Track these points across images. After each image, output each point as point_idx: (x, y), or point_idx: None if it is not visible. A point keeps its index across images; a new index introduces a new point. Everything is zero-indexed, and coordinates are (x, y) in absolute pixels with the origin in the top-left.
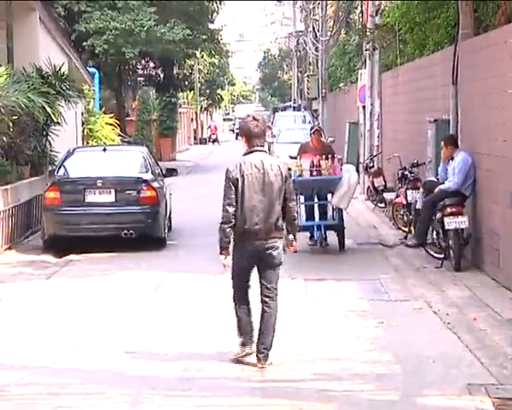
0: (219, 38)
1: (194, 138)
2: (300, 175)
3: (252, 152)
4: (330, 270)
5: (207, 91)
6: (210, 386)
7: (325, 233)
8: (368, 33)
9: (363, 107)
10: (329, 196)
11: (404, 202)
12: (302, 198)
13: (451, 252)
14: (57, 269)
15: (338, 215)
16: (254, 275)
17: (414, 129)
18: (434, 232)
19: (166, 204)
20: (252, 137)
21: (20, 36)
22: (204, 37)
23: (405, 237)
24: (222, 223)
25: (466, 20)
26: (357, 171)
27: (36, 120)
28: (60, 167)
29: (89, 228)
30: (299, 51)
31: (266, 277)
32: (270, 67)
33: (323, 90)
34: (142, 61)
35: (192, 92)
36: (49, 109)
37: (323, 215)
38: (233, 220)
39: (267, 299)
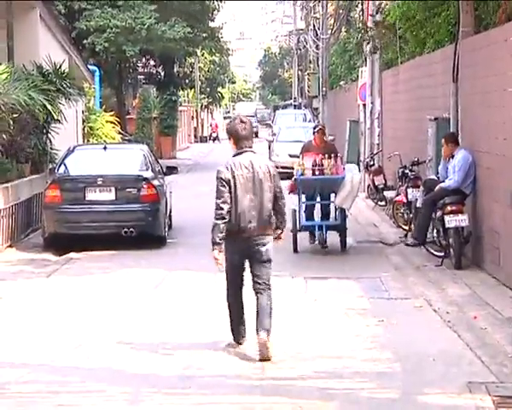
0: (220, 36)
1: (195, 136)
2: (302, 174)
3: (241, 153)
4: (330, 268)
5: (208, 89)
6: (210, 384)
7: (325, 233)
8: (368, 32)
9: (364, 105)
10: (332, 195)
11: (405, 201)
12: (304, 197)
13: (452, 250)
14: (57, 267)
15: (340, 215)
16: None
17: (414, 127)
18: (435, 230)
19: (167, 202)
20: (240, 138)
21: (20, 34)
22: (204, 35)
23: (405, 236)
24: (216, 219)
25: (466, 19)
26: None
27: (36, 117)
28: (60, 165)
29: (89, 226)
30: (300, 49)
31: (257, 272)
32: (271, 65)
33: (324, 89)
34: (143, 59)
35: (192, 90)
36: (49, 107)
37: (326, 215)
38: (227, 217)
39: (260, 290)
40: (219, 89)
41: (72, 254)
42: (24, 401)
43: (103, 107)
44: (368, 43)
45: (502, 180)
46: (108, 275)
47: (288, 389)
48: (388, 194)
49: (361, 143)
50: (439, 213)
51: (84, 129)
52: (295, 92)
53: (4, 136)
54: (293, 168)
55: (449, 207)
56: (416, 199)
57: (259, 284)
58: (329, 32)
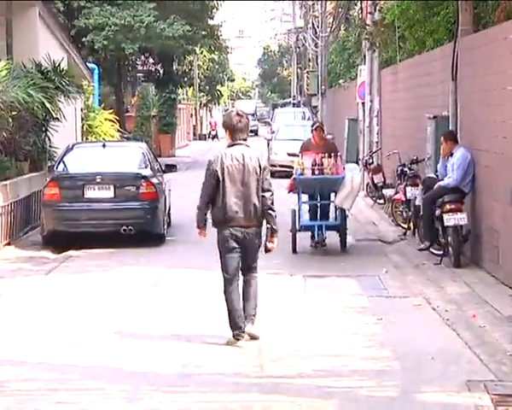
0: (219, 34)
1: (194, 134)
2: (302, 173)
3: (234, 145)
4: (329, 266)
5: (207, 87)
6: (209, 382)
7: (325, 234)
8: (367, 29)
9: (363, 103)
10: (332, 195)
11: (404, 199)
12: (304, 197)
13: (450, 249)
14: (56, 265)
15: (341, 216)
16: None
17: (413, 125)
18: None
19: (165, 200)
20: (235, 131)
21: (19, 31)
22: (203, 33)
23: (404, 234)
24: (198, 207)
25: (465, 17)
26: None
27: (35, 115)
28: (59, 163)
29: (88, 224)
30: (299, 48)
31: (247, 259)
32: (270, 63)
33: (323, 87)
34: (142, 57)
35: (191, 88)
36: (48, 105)
37: (325, 215)
38: (209, 206)
39: (249, 278)
40: (218, 87)
41: (71, 252)
42: (23, 398)
43: (102, 105)
44: (367, 40)
45: (501, 178)
46: (107, 273)
47: (287, 387)
48: (387, 192)
49: (360, 141)
50: (438, 212)
51: (82, 127)
52: (294, 90)
53: (3, 134)
54: (291, 167)
55: (448, 206)
56: (415, 197)
57: (248, 269)
58: (328, 30)
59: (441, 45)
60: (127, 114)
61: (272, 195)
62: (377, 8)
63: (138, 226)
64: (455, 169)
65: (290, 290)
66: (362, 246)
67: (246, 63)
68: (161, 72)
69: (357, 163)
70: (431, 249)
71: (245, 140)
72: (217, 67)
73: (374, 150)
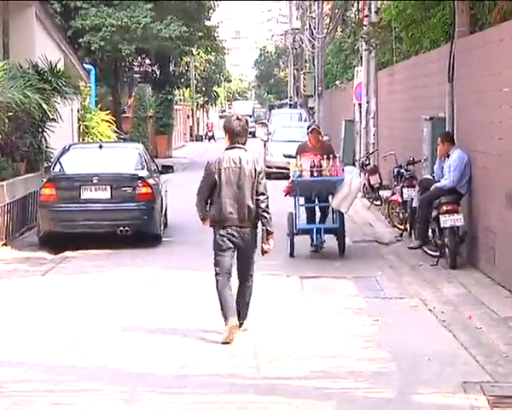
0: (216, 34)
1: (191, 135)
2: (300, 175)
3: (232, 148)
4: (326, 267)
5: (203, 88)
6: (206, 383)
7: (323, 237)
8: (364, 31)
9: (359, 104)
10: (330, 198)
11: (400, 200)
12: (301, 200)
13: (447, 250)
14: (53, 266)
15: (339, 218)
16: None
17: (410, 127)
18: (430, 230)
19: (162, 201)
20: (235, 135)
21: (16, 32)
22: (200, 34)
23: (401, 235)
24: (197, 204)
25: (462, 18)
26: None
27: (32, 116)
28: (55, 164)
29: (84, 225)
30: (296, 49)
31: (242, 261)
32: (267, 64)
33: (320, 88)
34: (139, 58)
35: (188, 89)
36: (45, 106)
37: (323, 218)
38: (205, 202)
39: (243, 280)
40: (215, 88)
41: (68, 253)
42: (20, 399)
43: (99, 105)
44: (365, 41)
45: (497, 180)
46: (104, 274)
47: (284, 388)
48: (384, 193)
49: (356, 142)
50: (434, 213)
51: (79, 128)
52: (291, 91)
53: (0, 134)
54: (287, 169)
55: (444, 207)
56: (412, 198)
57: (244, 271)
58: (325, 31)
59: (438, 46)
60: (124, 115)
61: (267, 198)
62: (374, 9)
63: (135, 227)
64: (451, 170)
65: (287, 291)
66: (358, 247)
67: (242, 64)
68: (158, 73)
69: (353, 164)
70: (427, 250)
71: (243, 144)
72: (213, 68)
73: (370, 151)
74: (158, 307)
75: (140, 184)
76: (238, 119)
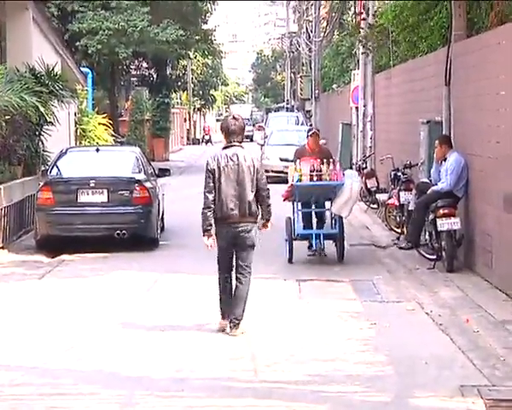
0: (213, 38)
1: (188, 139)
2: (300, 180)
3: (229, 146)
4: (323, 271)
5: (200, 92)
6: (203, 387)
7: (323, 243)
8: (360, 33)
9: (356, 108)
10: (327, 203)
11: (397, 204)
12: (300, 205)
13: (444, 253)
14: (50, 269)
15: (338, 223)
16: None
17: (407, 130)
18: (427, 233)
19: (159, 204)
20: (230, 133)
21: (13, 35)
22: (197, 37)
23: (398, 239)
24: (203, 208)
25: (459, 22)
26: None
27: (29, 119)
28: (52, 167)
29: (81, 228)
30: (293, 52)
31: (241, 256)
32: (264, 67)
33: (316, 91)
34: (136, 62)
35: (185, 93)
36: (42, 109)
37: (321, 223)
38: (212, 206)
39: (240, 276)
40: (212, 91)
41: (65, 257)
42: (17, 403)
43: (96, 109)
44: (362, 44)
45: (494, 183)
46: (101, 277)
47: (282, 392)
48: (381, 197)
49: (353, 145)
50: (431, 217)
51: (76, 131)
52: (288, 95)
53: None
54: (284, 172)
55: (441, 211)
56: (409, 202)
57: (242, 267)
58: (322, 34)
59: (435, 50)
60: (121, 119)
61: (269, 193)
62: (371, 12)
63: (132, 231)
64: (448, 174)
65: (284, 295)
66: (355, 251)
67: (239, 68)
68: (155, 76)
69: (350, 168)
70: (424, 254)
71: (240, 142)
72: (210, 71)
73: (367, 155)
74: (155, 310)
75: (137, 188)
76: (234, 118)
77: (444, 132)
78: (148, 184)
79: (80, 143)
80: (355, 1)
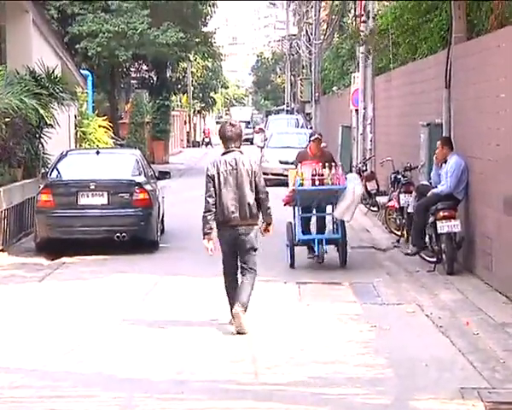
0: (212, 41)
1: (187, 141)
2: (301, 184)
3: (228, 152)
4: (323, 274)
5: (200, 94)
6: (203, 389)
7: (326, 248)
8: (361, 35)
9: (356, 110)
10: (328, 207)
11: (397, 206)
12: (301, 210)
13: (444, 256)
14: (50, 272)
15: (340, 228)
16: None
17: (407, 133)
18: (427, 236)
19: (159, 207)
20: (228, 139)
21: (13, 37)
22: (197, 40)
23: (398, 241)
24: (204, 212)
25: (459, 25)
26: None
27: (29, 122)
28: (52, 170)
29: (81, 231)
30: (293, 55)
31: (243, 258)
32: (264, 70)
33: (316, 94)
34: (136, 64)
35: (185, 95)
36: (42, 112)
37: (322, 228)
38: (213, 209)
39: (245, 272)
40: (212, 94)
41: (65, 259)
42: (16, 405)
43: (96, 111)
44: (361, 46)
45: (494, 186)
46: (101, 280)
47: (282, 394)
48: (381, 199)
49: (353, 148)
50: (431, 219)
51: (76, 134)
52: (288, 97)
53: None
54: (283, 175)
55: (441, 213)
56: (409, 204)
57: (245, 269)
58: (322, 37)
59: (435, 53)
60: (121, 121)
61: (268, 195)
62: (371, 14)
63: (132, 233)
64: (448, 176)
65: (284, 297)
66: (355, 253)
67: (239, 70)
68: (155, 79)
69: (350, 170)
70: (424, 256)
71: (238, 147)
72: (210, 74)
73: (367, 157)
74: (155, 313)
75: (137, 190)
76: (231, 124)
77: (444, 135)
78: (148, 187)
79: (80, 145)
80: (355, 1)
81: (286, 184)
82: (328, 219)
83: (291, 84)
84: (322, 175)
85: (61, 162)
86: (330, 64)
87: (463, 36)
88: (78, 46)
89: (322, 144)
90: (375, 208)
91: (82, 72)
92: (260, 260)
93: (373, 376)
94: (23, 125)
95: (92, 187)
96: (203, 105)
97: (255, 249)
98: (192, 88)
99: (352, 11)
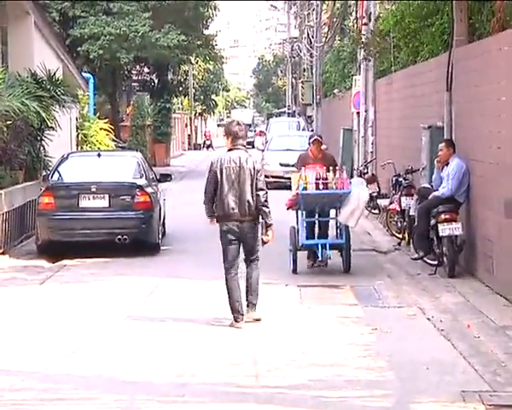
0: (214, 43)
1: (189, 144)
2: (305, 188)
3: (233, 149)
4: (324, 276)
5: (202, 97)
6: (204, 392)
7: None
8: (362, 38)
9: (358, 113)
10: (332, 211)
11: (398, 209)
12: (304, 214)
13: (445, 259)
14: (51, 274)
15: (345, 233)
16: None
17: (408, 135)
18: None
19: (160, 209)
20: (236, 138)
21: (14, 40)
22: (199, 42)
23: (399, 244)
24: (204, 202)
25: (460, 28)
26: (351, 177)
27: (30, 124)
28: (54, 172)
29: (83, 233)
30: (294, 57)
31: (247, 250)
32: (265, 72)
33: (318, 97)
34: (137, 67)
35: (186, 98)
36: (43, 114)
37: (325, 233)
38: (211, 200)
39: (250, 262)
40: (213, 96)
41: (66, 262)
42: (17, 408)
43: (97, 114)
44: (362, 48)
45: (495, 189)
46: (102, 282)
47: (283, 397)
48: (382, 202)
49: (355, 151)
50: (432, 222)
51: (77, 136)
52: (289, 100)
53: None
54: (284, 178)
55: (443, 216)
56: (410, 207)
57: (249, 259)
58: (323, 40)
59: (436, 55)
60: (122, 124)
61: (266, 193)
62: (372, 17)
63: (133, 236)
64: (450, 179)
65: (285, 300)
66: (356, 256)
67: (241, 73)
68: (156, 81)
69: (351, 173)
70: (425, 259)
71: (243, 145)
72: (212, 76)
73: (368, 160)
74: (156, 315)
75: (138, 193)
76: (238, 123)
77: (445, 137)
78: (149, 190)
79: (81, 148)
80: (357, 1)
81: (286, 187)
82: (332, 223)
83: (292, 87)
84: (327, 179)
85: (63, 165)
86: (331, 67)
87: (465, 39)
88: (79, 49)
89: (323, 146)
90: (377, 211)
91: (83, 74)
92: (261, 261)
93: (374, 379)
94: (24, 128)
95: (93, 190)
96: (204, 108)
97: (256, 239)
98: (193, 90)
99: (354, 14)
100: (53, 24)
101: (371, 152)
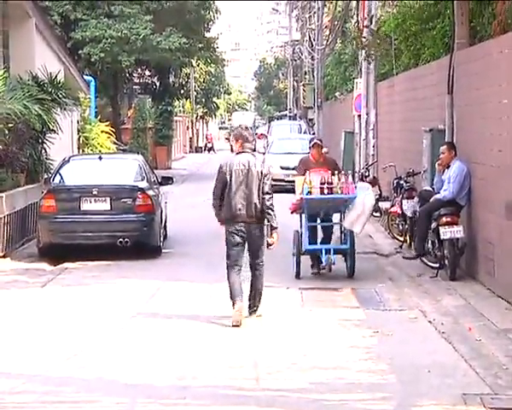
0: (215, 46)
1: (190, 147)
2: (310, 192)
3: (242, 153)
4: (326, 279)
5: (203, 100)
6: (205, 394)
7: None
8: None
9: (359, 116)
10: (336, 215)
11: (400, 212)
12: (308, 218)
13: (446, 261)
14: (52, 277)
15: (349, 238)
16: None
17: (409, 138)
18: (430, 242)
19: (162, 212)
20: (244, 141)
21: (16, 43)
22: (200, 45)
23: (401, 247)
24: (212, 204)
25: (461, 30)
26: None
27: (32, 127)
28: (55, 175)
29: (84, 236)
30: (295, 60)
31: (252, 252)
32: (266, 75)
33: (319, 100)
34: (138, 70)
35: (188, 101)
36: (45, 117)
37: (328, 238)
38: (218, 202)
39: (255, 266)
40: (215, 99)
41: (67, 264)
42: None
43: (98, 117)
44: (364, 50)
45: (497, 192)
46: (103, 285)
47: (284, 400)
48: (383, 205)
49: (356, 154)
50: (434, 225)
51: (79, 139)
52: (290, 103)
53: None
54: (284, 181)
55: (444, 219)
56: (408, 209)
57: (255, 262)
58: (325, 43)
59: (437, 58)
60: (123, 127)
61: (272, 197)
62: (374, 19)
63: (134, 239)
64: (451, 182)
65: (287, 303)
66: (358, 259)
67: (242, 76)
68: (158, 84)
69: (353, 176)
70: (427, 262)
71: (251, 149)
72: (213, 79)
73: (370, 163)
74: (157, 318)
75: (140, 196)
76: (246, 128)
77: (446, 140)
78: (150, 192)
79: (83, 150)
80: (358, 1)
81: (287, 190)
82: (336, 227)
83: (294, 90)
84: (331, 183)
85: (64, 168)
86: (333, 70)
87: (466, 42)
88: (81, 51)
89: (324, 150)
90: (378, 214)
91: (85, 77)
92: (265, 263)
93: (375, 382)
94: (26, 131)
95: (95, 192)
96: (206, 111)
97: (263, 243)
98: (195, 93)
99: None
100: (54, 27)
101: (372, 155)
